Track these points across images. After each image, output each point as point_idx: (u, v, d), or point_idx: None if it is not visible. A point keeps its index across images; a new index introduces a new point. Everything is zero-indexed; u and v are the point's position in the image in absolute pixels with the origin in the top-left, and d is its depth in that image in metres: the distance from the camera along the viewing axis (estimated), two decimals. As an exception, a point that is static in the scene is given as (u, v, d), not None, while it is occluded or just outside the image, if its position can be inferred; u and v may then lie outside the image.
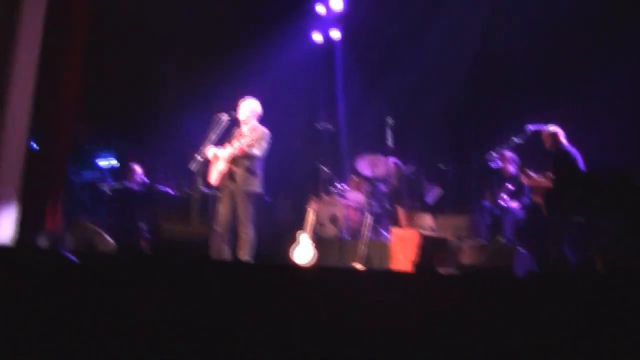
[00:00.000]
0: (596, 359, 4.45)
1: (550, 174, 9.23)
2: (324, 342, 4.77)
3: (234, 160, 9.15)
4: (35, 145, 8.78)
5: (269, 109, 9.61)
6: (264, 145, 9.20)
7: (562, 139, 9.46)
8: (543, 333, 4.54)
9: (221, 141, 9.40)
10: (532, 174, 9.44)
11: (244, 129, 9.33)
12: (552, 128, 9.54)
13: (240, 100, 9.48)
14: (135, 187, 11.50)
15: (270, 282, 5.31)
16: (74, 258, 5.54)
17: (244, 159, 9.12)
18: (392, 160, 11.16)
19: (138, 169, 11.77)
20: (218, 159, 9.28)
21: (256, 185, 9.19)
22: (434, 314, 4.77)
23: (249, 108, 9.41)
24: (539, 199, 9.31)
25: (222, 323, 4.99)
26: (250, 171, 9.13)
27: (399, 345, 4.72)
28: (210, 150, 9.30)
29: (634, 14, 10.81)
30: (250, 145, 9.07)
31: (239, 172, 9.12)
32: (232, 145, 9.21)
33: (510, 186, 10.19)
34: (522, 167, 9.75)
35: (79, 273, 5.50)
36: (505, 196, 10.14)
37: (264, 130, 9.28)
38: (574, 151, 9.31)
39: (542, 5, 11.75)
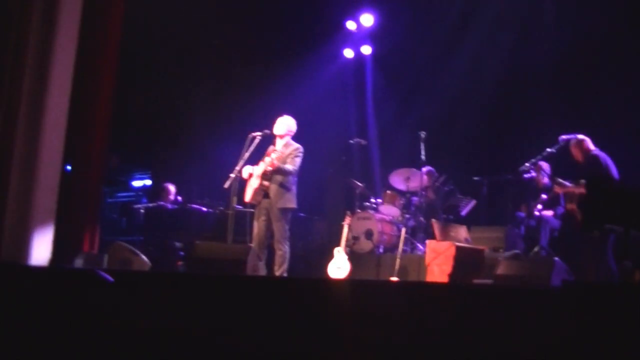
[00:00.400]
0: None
1: (583, 181, 9.06)
2: (360, 354, 4.76)
3: (267, 177, 9.14)
4: (69, 168, 8.85)
5: (302, 126, 9.63)
6: (297, 160, 9.21)
7: (590, 145, 9.37)
8: (580, 343, 4.49)
9: (255, 159, 9.41)
10: (564, 182, 9.30)
11: (278, 145, 9.35)
12: (579, 137, 9.45)
13: (279, 118, 9.50)
14: (170, 207, 11.55)
15: (304, 296, 5.31)
16: (109, 278, 5.57)
17: (277, 174, 9.12)
18: (426, 168, 11.15)
19: (172, 188, 11.81)
20: (252, 177, 9.28)
21: (290, 201, 9.18)
22: (470, 325, 4.74)
23: (285, 124, 9.42)
24: (573, 207, 9.17)
25: (258, 338, 5.00)
26: (284, 187, 9.12)
27: (436, 356, 4.70)
28: (245, 169, 9.29)
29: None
30: (281, 160, 9.08)
31: (272, 188, 9.11)
32: (264, 162, 9.22)
33: (544, 196, 10.10)
34: (553, 177, 9.61)
35: (115, 292, 5.53)
36: (539, 206, 10.06)
37: (297, 146, 9.29)
38: (603, 156, 9.19)
39: (566, 23, 11.76)
